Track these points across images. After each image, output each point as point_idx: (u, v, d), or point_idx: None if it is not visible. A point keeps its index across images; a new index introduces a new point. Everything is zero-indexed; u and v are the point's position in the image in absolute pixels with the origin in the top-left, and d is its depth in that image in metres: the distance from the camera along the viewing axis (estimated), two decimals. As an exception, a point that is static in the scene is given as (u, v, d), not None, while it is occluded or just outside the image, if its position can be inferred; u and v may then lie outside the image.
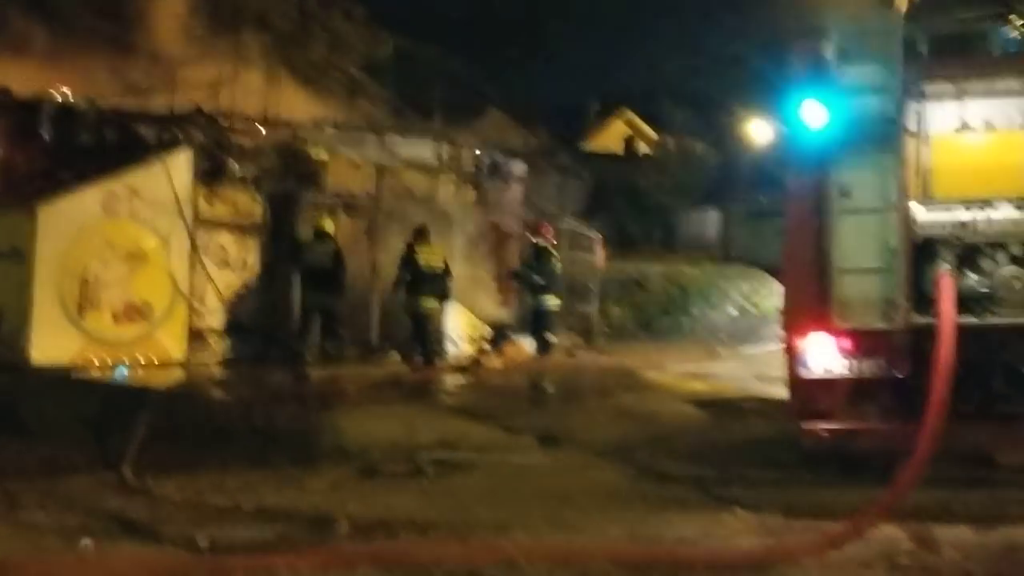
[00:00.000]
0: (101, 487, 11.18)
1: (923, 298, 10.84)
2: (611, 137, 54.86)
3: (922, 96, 11.38)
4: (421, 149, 23.69)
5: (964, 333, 9.95)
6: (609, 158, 48.13)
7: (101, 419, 13.90)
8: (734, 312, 30.26)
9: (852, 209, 10.76)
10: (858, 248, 10.72)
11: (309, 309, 20.27)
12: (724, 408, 16.42)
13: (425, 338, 20.53)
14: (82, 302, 18.35)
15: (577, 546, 8.85)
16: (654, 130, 50.99)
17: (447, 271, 20.71)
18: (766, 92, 37.06)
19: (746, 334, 28.45)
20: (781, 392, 17.29)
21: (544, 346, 22.31)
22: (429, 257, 20.60)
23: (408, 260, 20.48)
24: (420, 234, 20.86)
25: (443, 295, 20.80)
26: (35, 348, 17.68)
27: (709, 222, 41.08)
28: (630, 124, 56.12)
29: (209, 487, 11.11)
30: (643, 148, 52.51)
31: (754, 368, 21.29)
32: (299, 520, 9.71)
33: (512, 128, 32.61)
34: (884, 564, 8.35)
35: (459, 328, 22.42)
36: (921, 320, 10.69)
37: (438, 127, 24.70)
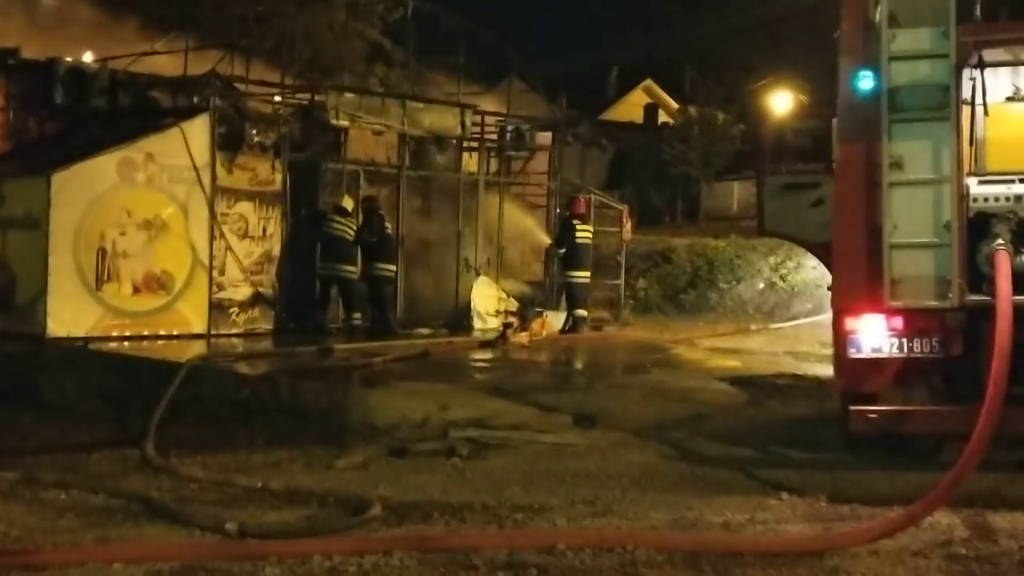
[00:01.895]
0: (122, 465, 11.01)
1: (977, 275, 10.41)
2: (631, 107, 54.37)
3: (978, 63, 10.90)
4: (444, 117, 23.26)
5: (1021, 312, 9.61)
6: (630, 128, 47.66)
7: (121, 393, 13.66)
8: (761, 286, 29.85)
9: (904, 181, 10.27)
10: (910, 222, 10.22)
11: (325, 280, 20.19)
12: (758, 385, 16.15)
13: (386, 304, 20.61)
14: (100, 272, 18.04)
15: (621, 532, 8.52)
16: (675, 100, 50.46)
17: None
18: (790, 61, 36.78)
19: (774, 308, 28.19)
20: (815, 369, 17.23)
21: (572, 321, 22.06)
22: (387, 223, 20.74)
23: (378, 226, 20.38)
24: (375, 201, 20.90)
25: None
26: (52, 319, 17.44)
27: (733, 194, 40.71)
28: (650, 93, 55.63)
29: (235, 466, 10.90)
30: (664, 118, 51.99)
31: (785, 343, 21.14)
32: (330, 502, 9.39)
33: (532, 96, 32.13)
34: (940, 553, 8.04)
35: (485, 302, 22.06)
36: (976, 299, 10.27)
37: (460, 94, 24.27)
